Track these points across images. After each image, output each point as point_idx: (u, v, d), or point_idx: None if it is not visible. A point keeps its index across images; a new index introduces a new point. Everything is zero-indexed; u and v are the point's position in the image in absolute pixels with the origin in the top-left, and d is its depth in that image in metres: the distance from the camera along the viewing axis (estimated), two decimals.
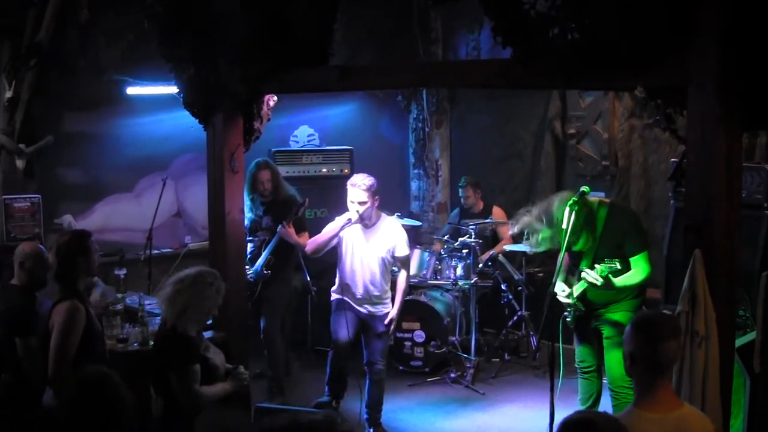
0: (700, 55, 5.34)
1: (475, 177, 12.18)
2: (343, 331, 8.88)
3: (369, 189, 8.60)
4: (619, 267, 7.27)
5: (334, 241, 8.84)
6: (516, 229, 8.07)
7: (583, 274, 7.52)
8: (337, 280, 9.04)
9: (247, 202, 9.44)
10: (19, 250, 7.37)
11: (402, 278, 9.08)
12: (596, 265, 7.37)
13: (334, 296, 9.05)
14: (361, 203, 8.59)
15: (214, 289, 6.42)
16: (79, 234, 6.98)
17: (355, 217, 8.64)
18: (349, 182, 8.68)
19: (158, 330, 6.62)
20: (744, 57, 5.24)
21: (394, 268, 9.13)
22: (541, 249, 7.89)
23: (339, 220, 8.79)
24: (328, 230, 8.85)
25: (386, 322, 8.93)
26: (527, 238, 7.90)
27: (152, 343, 7.19)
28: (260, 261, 9.61)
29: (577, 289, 7.67)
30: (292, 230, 9.54)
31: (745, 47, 5.22)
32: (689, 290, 5.42)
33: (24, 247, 7.40)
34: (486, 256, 11.34)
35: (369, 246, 8.79)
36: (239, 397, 6.61)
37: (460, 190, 12.11)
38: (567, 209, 7.32)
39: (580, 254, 7.75)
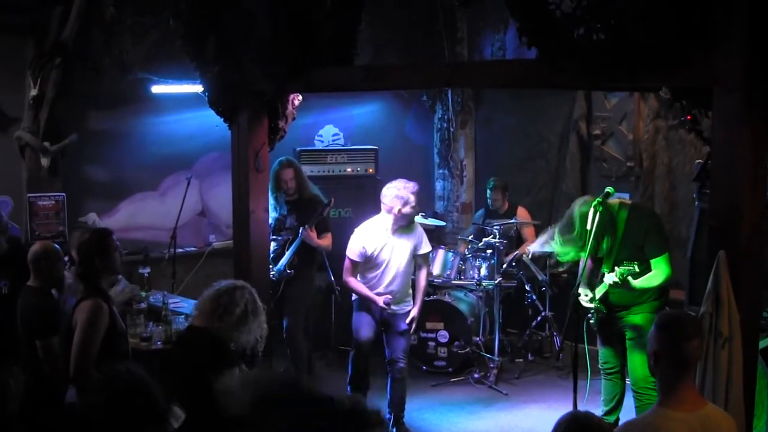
0: (726, 56, 5.32)
1: (501, 178, 12.16)
2: (366, 330, 8.89)
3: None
4: (637, 270, 7.26)
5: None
6: (537, 246, 8.08)
7: (605, 278, 7.52)
8: (359, 279, 9.03)
9: (271, 201, 9.46)
10: (32, 250, 7.37)
11: (422, 276, 9.11)
12: (616, 268, 7.36)
13: (355, 296, 9.07)
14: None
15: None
16: (99, 232, 6.99)
17: (388, 309, 8.84)
18: (405, 190, 8.72)
19: (191, 338, 6.18)
20: None
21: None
22: (566, 258, 7.91)
23: (376, 298, 8.86)
24: (363, 292, 8.92)
25: (408, 320, 8.93)
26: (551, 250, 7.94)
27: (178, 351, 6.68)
28: (283, 260, 9.62)
29: (599, 291, 7.68)
30: (314, 234, 9.56)
31: None
32: (713, 291, 5.40)
33: (36, 248, 7.40)
34: (510, 256, 11.33)
35: (397, 248, 8.82)
36: None
37: (488, 191, 12.08)
38: (591, 210, 7.32)
39: (602, 256, 7.74)
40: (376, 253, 8.78)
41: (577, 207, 7.68)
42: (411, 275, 9.09)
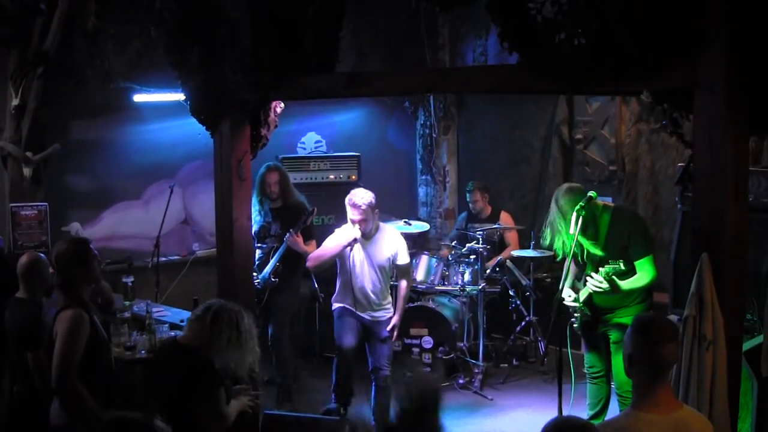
0: (708, 59, 5.33)
1: (481, 181, 12.18)
2: (347, 337, 8.90)
3: (369, 206, 8.64)
4: (623, 268, 7.27)
5: (337, 257, 8.85)
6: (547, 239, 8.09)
7: (588, 279, 7.53)
8: (337, 289, 9.05)
9: (255, 207, 9.47)
10: (20, 262, 7.38)
11: (403, 286, 9.14)
12: (600, 269, 7.37)
13: (335, 305, 9.07)
14: (361, 221, 8.63)
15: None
16: (76, 242, 6.95)
17: (359, 235, 8.66)
18: (348, 201, 8.69)
19: (172, 352, 6.10)
20: (751, 60, 5.23)
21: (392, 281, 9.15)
22: (548, 242, 7.94)
23: (342, 236, 8.80)
24: (331, 246, 8.86)
25: (389, 327, 8.94)
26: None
27: (160, 366, 6.47)
28: (268, 268, 9.63)
29: (583, 293, 7.68)
30: (299, 239, 9.58)
31: (752, 51, 5.21)
32: (697, 294, 5.41)
33: (23, 258, 7.41)
34: (493, 261, 11.34)
35: (369, 255, 8.83)
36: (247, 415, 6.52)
37: (467, 194, 12.12)
38: (574, 214, 7.33)
39: (585, 258, 7.76)
40: (346, 254, 8.80)
41: (560, 198, 7.69)
42: (389, 283, 9.08)
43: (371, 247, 8.82)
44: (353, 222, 8.65)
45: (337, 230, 8.96)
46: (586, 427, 4.04)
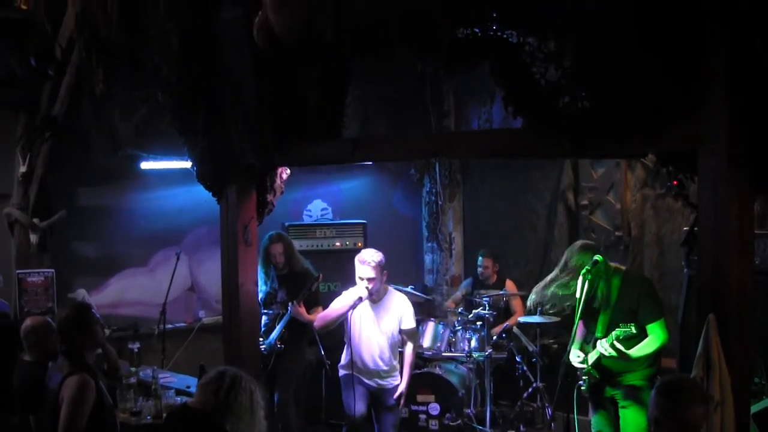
0: (710, 120, 5.35)
1: (493, 250, 12.21)
2: (359, 405, 8.85)
3: (378, 265, 8.61)
4: (634, 331, 7.24)
5: (344, 317, 8.81)
6: (532, 300, 8.09)
7: (597, 345, 7.50)
8: (344, 355, 9.02)
9: (261, 275, 9.47)
10: (25, 326, 7.43)
11: (409, 350, 9.04)
12: (611, 333, 7.34)
13: (342, 372, 9.02)
14: (371, 280, 8.59)
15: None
16: (77, 307, 6.98)
17: (365, 294, 8.63)
18: (357, 258, 8.67)
19: (184, 417, 5.97)
20: (755, 121, 5.25)
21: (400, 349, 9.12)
22: (555, 308, 7.91)
23: (349, 297, 8.77)
24: (338, 306, 8.82)
25: (396, 395, 8.89)
26: (543, 303, 7.93)
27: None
28: (274, 334, 9.61)
29: (592, 356, 7.64)
30: (302, 309, 9.57)
31: (755, 111, 5.23)
32: (704, 355, 5.39)
33: (28, 322, 7.47)
34: (499, 328, 11.33)
35: (377, 320, 8.79)
36: None
37: (479, 259, 12.11)
38: (580, 279, 7.32)
39: (595, 322, 7.73)
40: (353, 317, 8.75)
41: (575, 255, 7.70)
42: (397, 350, 9.05)
43: (379, 310, 8.79)
44: (362, 279, 8.62)
45: (344, 293, 8.92)
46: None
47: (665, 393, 4.48)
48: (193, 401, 5.94)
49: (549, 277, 7.94)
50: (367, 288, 8.59)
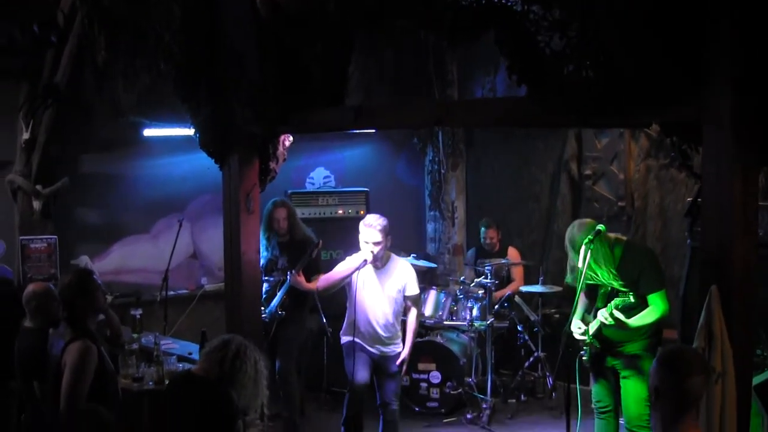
0: (715, 92, 5.34)
1: (492, 219, 12.20)
2: (361, 372, 8.83)
3: (383, 229, 8.59)
4: (632, 300, 7.23)
5: (347, 280, 8.82)
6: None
7: (598, 314, 7.50)
8: (345, 322, 9.01)
9: (263, 242, 9.46)
10: (26, 292, 7.43)
11: (412, 317, 9.04)
12: (610, 302, 7.34)
13: (344, 339, 9.00)
14: (376, 243, 8.57)
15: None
16: (78, 274, 6.98)
17: (370, 257, 8.62)
18: (362, 222, 8.66)
19: (187, 384, 5.97)
20: (759, 93, 5.23)
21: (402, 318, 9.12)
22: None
23: (353, 260, 8.77)
24: (342, 269, 8.81)
25: (398, 362, 8.90)
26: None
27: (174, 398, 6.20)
28: (275, 301, 9.59)
29: (593, 326, 7.63)
30: (301, 278, 9.54)
31: (759, 83, 5.21)
32: (705, 326, 5.40)
33: (30, 288, 7.46)
34: (501, 294, 11.37)
35: (381, 286, 8.77)
36: None
37: (482, 229, 12.11)
38: (582, 248, 7.32)
39: (596, 292, 7.73)
40: (353, 281, 8.75)
41: (574, 236, 7.68)
42: (400, 317, 9.05)
43: (382, 277, 8.78)
44: (367, 243, 8.62)
45: (348, 258, 8.92)
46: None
47: (666, 363, 4.45)
48: (197, 368, 5.94)
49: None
50: (372, 252, 8.58)
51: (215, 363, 5.72)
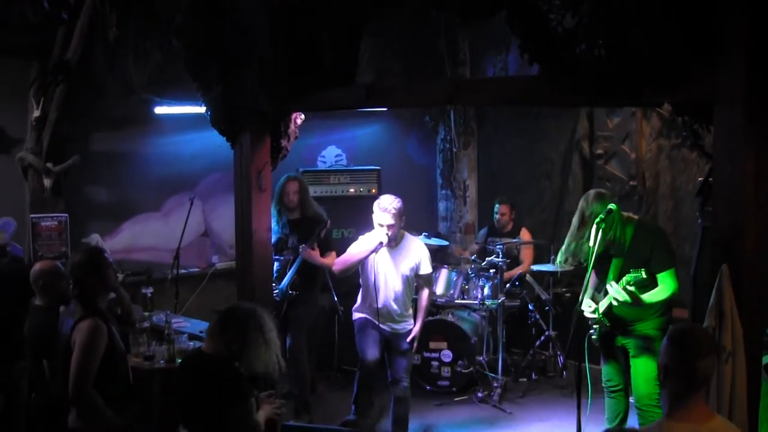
0: (728, 71, 5.32)
1: (507, 196, 12.21)
2: (371, 349, 8.86)
3: (398, 212, 8.59)
4: (644, 276, 7.19)
5: (363, 262, 8.82)
6: (559, 261, 8.08)
7: (609, 288, 7.47)
8: (359, 299, 9.03)
9: (274, 218, 9.45)
10: (34, 270, 7.41)
11: (425, 296, 9.09)
12: (622, 278, 7.31)
13: (356, 315, 9.04)
14: (390, 226, 8.58)
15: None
16: (89, 252, 6.99)
17: (385, 240, 8.63)
18: (377, 205, 8.65)
19: (199, 363, 6.00)
20: None
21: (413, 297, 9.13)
22: (569, 259, 7.87)
23: (368, 242, 8.76)
24: (357, 251, 8.81)
25: (409, 339, 8.91)
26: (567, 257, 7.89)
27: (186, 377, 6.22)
28: (285, 281, 9.58)
29: (603, 304, 7.61)
30: (315, 252, 9.53)
31: None
32: (716, 305, 5.39)
33: (38, 267, 7.45)
34: (512, 274, 11.37)
35: (393, 265, 8.78)
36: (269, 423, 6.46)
37: (496, 206, 12.12)
38: (594, 227, 7.30)
39: (606, 271, 7.71)
40: (370, 261, 8.77)
41: (590, 203, 7.64)
42: (412, 295, 9.06)
43: (396, 255, 8.79)
44: (382, 226, 8.63)
45: (361, 237, 8.92)
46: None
47: (676, 342, 4.45)
48: (207, 347, 5.94)
49: (569, 232, 7.89)
50: (387, 234, 8.59)
51: (223, 342, 5.76)
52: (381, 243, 8.63)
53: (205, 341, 6.04)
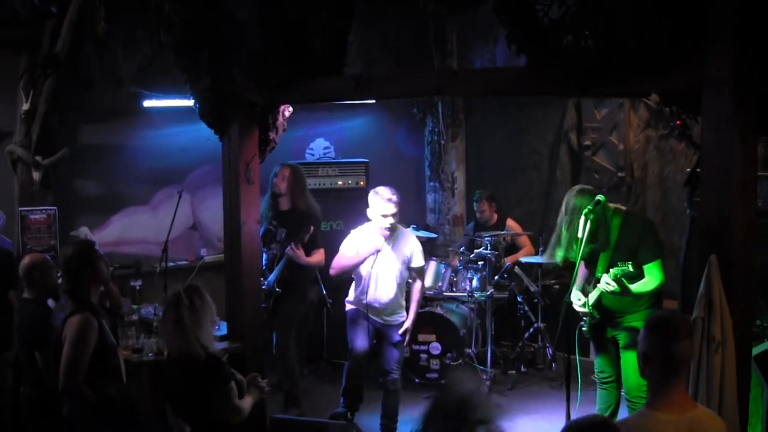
0: (715, 59, 5.34)
1: (489, 190, 12.22)
2: (361, 341, 8.88)
3: (398, 202, 8.61)
4: (631, 269, 7.21)
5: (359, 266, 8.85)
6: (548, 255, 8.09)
7: (598, 283, 7.49)
8: (352, 291, 9.03)
9: (264, 207, 9.43)
10: (22, 263, 7.42)
11: (417, 288, 9.11)
12: (610, 270, 7.33)
13: (348, 306, 9.05)
14: (393, 216, 8.59)
15: (205, 298, 6.17)
16: (81, 245, 6.99)
17: (382, 246, 8.65)
18: (378, 196, 8.62)
19: (175, 360, 6.12)
20: (759, 60, 5.22)
21: (409, 280, 9.13)
22: (558, 254, 7.87)
23: (363, 245, 8.79)
24: (353, 256, 8.84)
25: (401, 331, 8.92)
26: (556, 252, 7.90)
27: (167, 372, 6.42)
28: (272, 276, 9.56)
29: (593, 296, 7.64)
30: (300, 252, 9.47)
31: (760, 51, 5.21)
32: (705, 296, 5.40)
33: (26, 260, 7.45)
34: (511, 259, 11.47)
35: (385, 257, 8.78)
36: (257, 407, 6.51)
37: (474, 204, 12.15)
38: (582, 218, 7.31)
39: (595, 262, 7.72)
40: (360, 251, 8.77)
41: (572, 199, 7.66)
42: (404, 288, 9.07)
43: (388, 248, 8.81)
44: (386, 216, 8.63)
45: (353, 231, 8.93)
46: (609, 424, 4.00)
47: (654, 328, 4.48)
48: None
49: (555, 233, 7.89)
50: (388, 227, 8.61)
51: (178, 336, 5.93)
52: (378, 249, 8.64)
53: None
